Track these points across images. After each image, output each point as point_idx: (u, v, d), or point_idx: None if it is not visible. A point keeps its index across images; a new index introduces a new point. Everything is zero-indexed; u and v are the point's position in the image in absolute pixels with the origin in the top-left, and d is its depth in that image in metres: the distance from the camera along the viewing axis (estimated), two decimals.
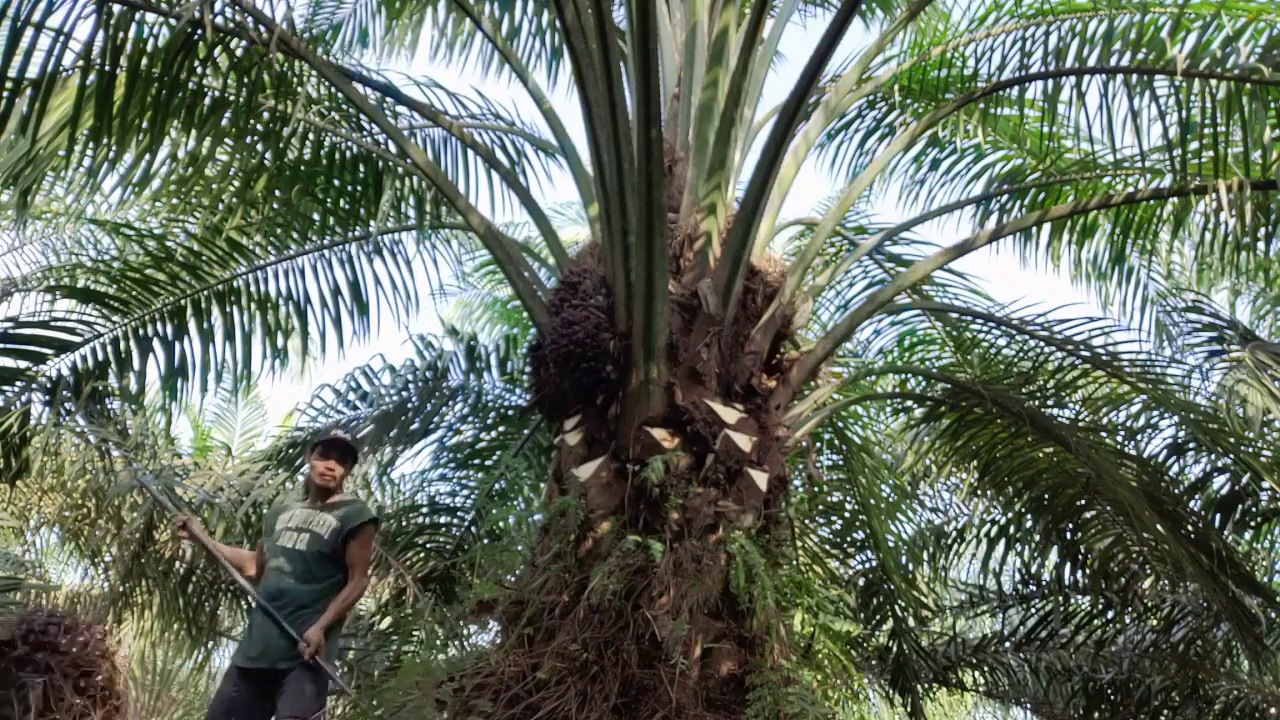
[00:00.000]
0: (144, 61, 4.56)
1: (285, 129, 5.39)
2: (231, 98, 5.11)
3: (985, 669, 8.74)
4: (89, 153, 5.04)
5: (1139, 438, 6.06)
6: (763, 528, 3.99)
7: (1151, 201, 5.91)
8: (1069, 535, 6.75)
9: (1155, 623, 7.85)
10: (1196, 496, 6.30)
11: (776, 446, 4.24)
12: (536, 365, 4.49)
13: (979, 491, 7.19)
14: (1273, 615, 7.35)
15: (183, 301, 6.02)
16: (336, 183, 6.11)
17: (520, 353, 7.54)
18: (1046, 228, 6.65)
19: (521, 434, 7.46)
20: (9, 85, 4.27)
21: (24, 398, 5.67)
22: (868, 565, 7.83)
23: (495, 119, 6.55)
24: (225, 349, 6.14)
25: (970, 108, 6.42)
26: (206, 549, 4.73)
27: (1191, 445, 6.05)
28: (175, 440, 7.77)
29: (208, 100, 5.09)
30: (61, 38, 4.28)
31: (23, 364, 5.71)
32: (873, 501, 7.39)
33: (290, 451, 7.39)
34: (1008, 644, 8.48)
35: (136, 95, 4.62)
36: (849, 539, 7.84)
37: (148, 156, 5.05)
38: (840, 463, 7.47)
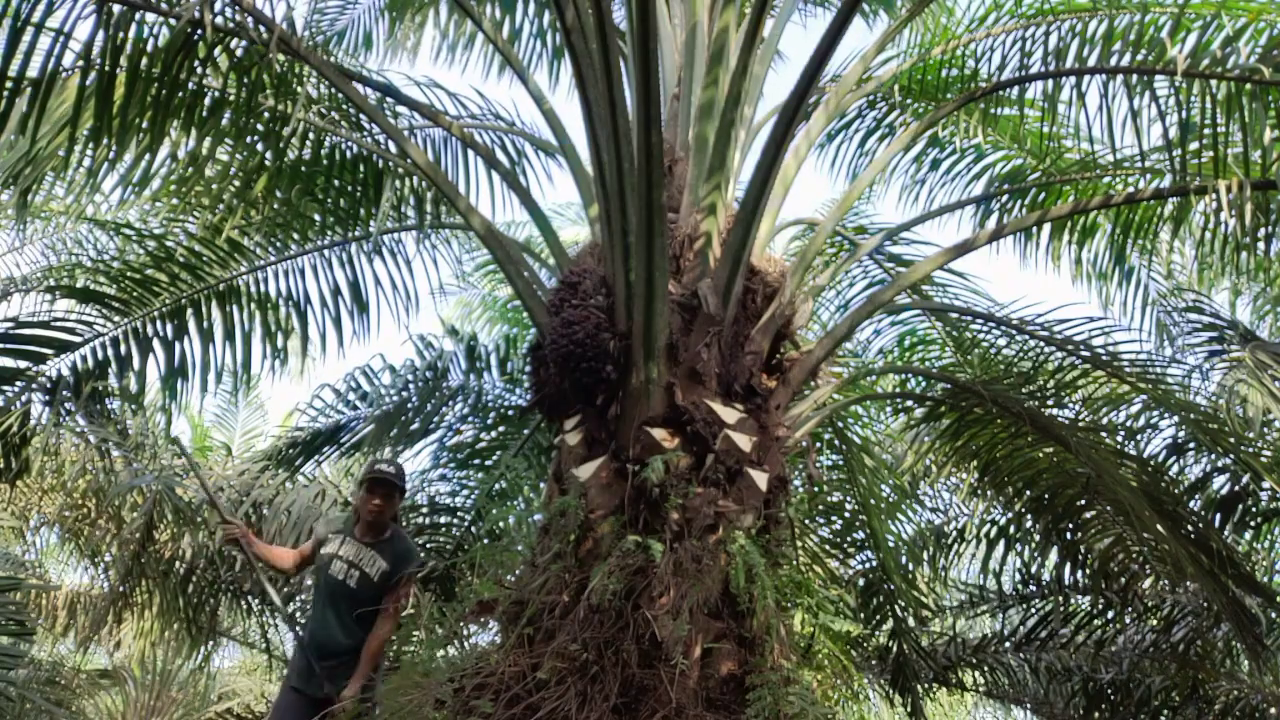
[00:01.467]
0: (144, 61, 4.56)
1: (285, 129, 5.38)
2: (231, 98, 5.11)
3: (985, 669, 8.74)
4: (89, 153, 5.04)
5: (1139, 438, 6.05)
6: (763, 528, 3.98)
7: (1151, 201, 5.91)
8: (1069, 535, 6.75)
9: (1155, 623, 7.85)
10: (1196, 496, 6.30)
11: (776, 446, 4.24)
12: (536, 365, 4.48)
13: (979, 491, 7.19)
14: (1273, 615, 7.35)
15: (183, 301, 6.02)
16: (336, 183, 6.11)
17: (520, 353, 7.53)
18: (1047, 228, 6.65)
19: (521, 434, 7.45)
20: (9, 85, 4.27)
21: (24, 398, 5.67)
22: (868, 565, 7.82)
23: (495, 119, 6.55)
24: (225, 349, 6.15)
25: (970, 108, 6.42)
26: (252, 560, 4.89)
27: (1191, 445, 6.05)
28: (175, 440, 7.77)
29: (208, 100, 5.09)
30: (61, 38, 4.29)
31: (23, 364, 5.71)
32: (873, 501, 7.39)
33: (290, 452, 7.39)
34: (1008, 644, 8.48)
35: (136, 95, 4.62)
36: (849, 539, 7.84)
37: (148, 156, 5.06)
38: (840, 463, 7.46)
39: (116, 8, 4.36)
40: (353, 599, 4.62)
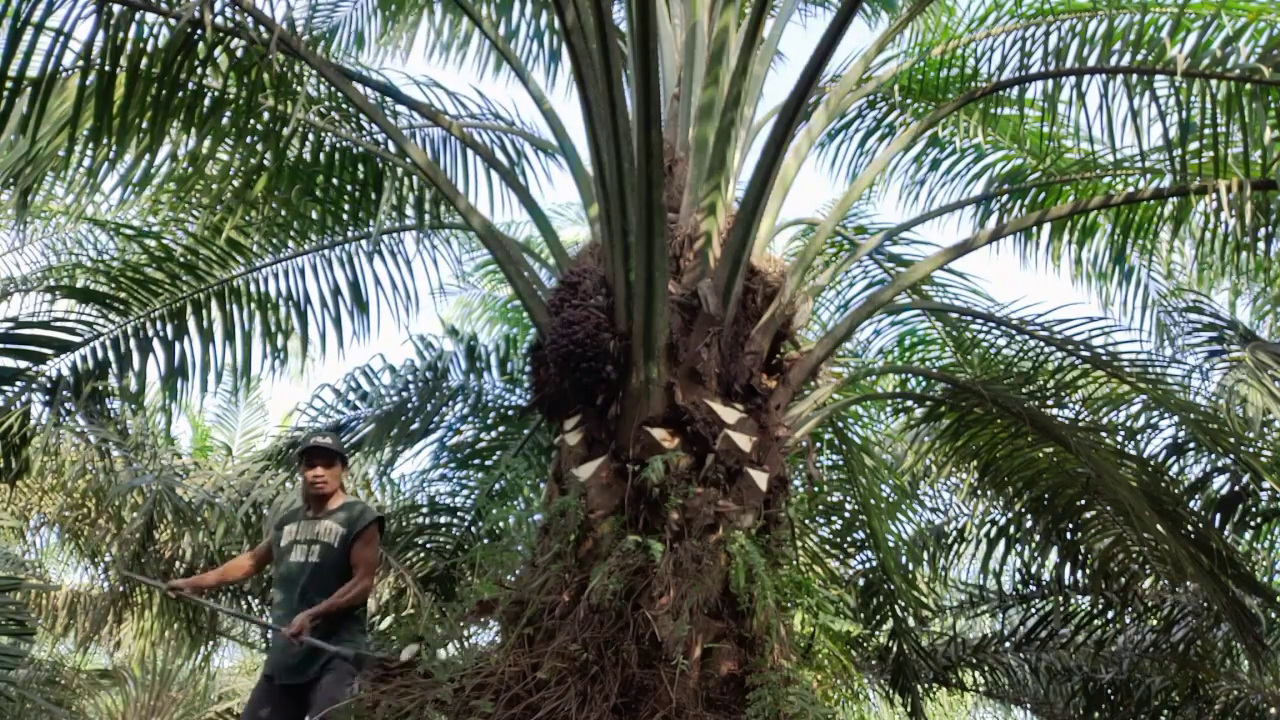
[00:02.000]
0: (144, 61, 4.56)
1: (285, 129, 5.38)
2: (231, 98, 5.11)
3: (985, 669, 8.74)
4: (89, 153, 5.04)
5: (1139, 438, 6.06)
6: (763, 528, 3.99)
7: (1151, 201, 5.92)
8: (1069, 535, 6.75)
9: (1155, 623, 7.85)
10: (1196, 496, 6.31)
11: (776, 446, 4.24)
12: (536, 365, 4.49)
13: (979, 491, 7.19)
14: (1273, 615, 7.36)
15: (183, 301, 6.02)
16: (336, 183, 6.11)
17: (520, 353, 7.54)
18: (1047, 228, 6.65)
19: (521, 434, 7.45)
20: (9, 85, 4.27)
21: (24, 398, 5.67)
22: (868, 565, 7.83)
23: (495, 119, 6.55)
24: (225, 349, 6.15)
25: (970, 108, 6.42)
26: (201, 603, 4.72)
27: (1191, 445, 6.05)
28: (175, 440, 7.77)
29: (208, 100, 5.09)
30: (61, 38, 4.29)
31: (23, 364, 5.71)
32: (873, 501, 7.39)
33: (290, 451, 7.39)
34: (1008, 644, 8.48)
35: (136, 95, 4.62)
36: (849, 539, 7.84)
37: (148, 156, 5.05)
38: (840, 463, 7.46)
39: (116, 8, 4.36)
40: (317, 572, 4.42)
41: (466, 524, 7.31)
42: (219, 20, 4.60)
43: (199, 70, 4.81)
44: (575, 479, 3.99)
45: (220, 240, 5.94)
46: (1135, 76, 5.27)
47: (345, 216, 6.26)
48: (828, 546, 7.92)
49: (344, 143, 5.97)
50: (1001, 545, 7.43)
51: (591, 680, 3.47)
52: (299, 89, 5.29)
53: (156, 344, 5.99)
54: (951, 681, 8.86)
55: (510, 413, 7.50)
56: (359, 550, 4.47)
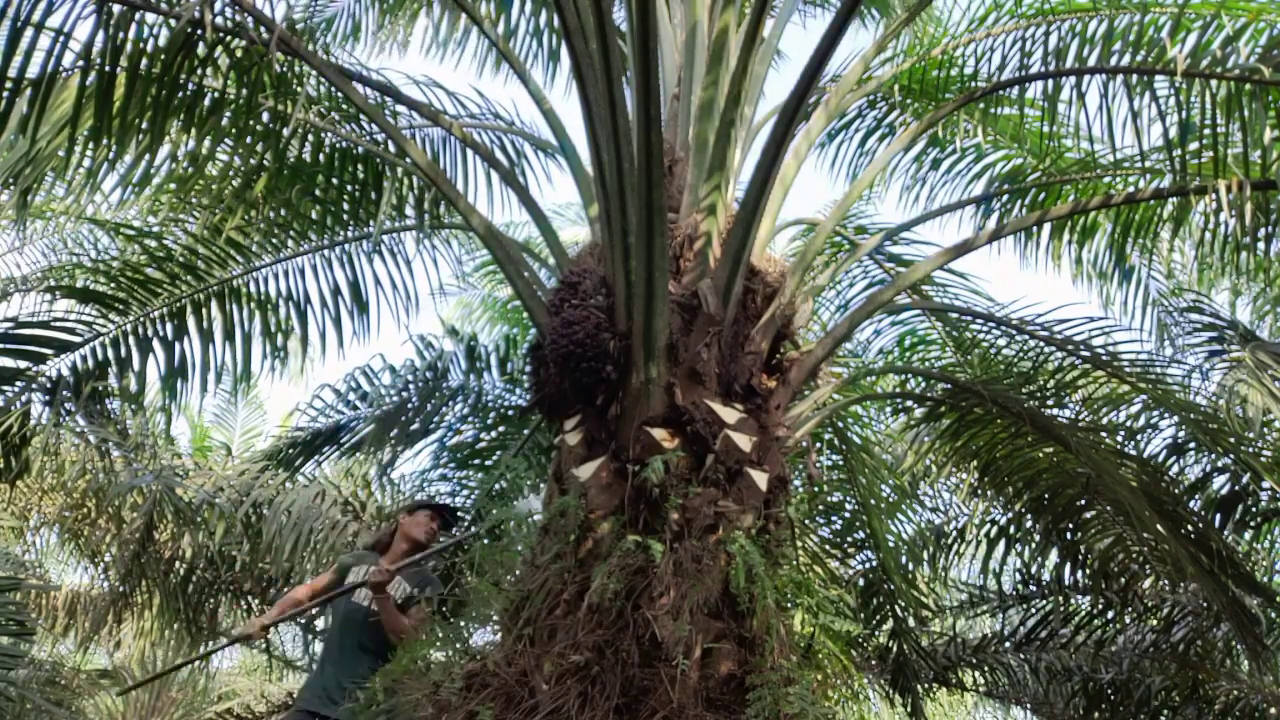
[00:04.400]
0: (144, 61, 4.57)
1: (285, 129, 5.38)
2: (231, 98, 5.11)
3: (985, 669, 8.74)
4: (89, 153, 5.04)
5: (1139, 438, 6.06)
6: (763, 528, 3.98)
7: (1151, 201, 5.92)
8: (1069, 535, 6.75)
9: (1155, 623, 7.85)
10: (1196, 496, 6.30)
11: (776, 446, 4.24)
12: (536, 365, 4.48)
13: (979, 491, 7.19)
14: (1273, 615, 7.36)
15: (183, 301, 6.02)
16: (336, 183, 6.11)
17: (520, 353, 7.53)
18: (1047, 228, 6.65)
19: (521, 434, 7.45)
20: (9, 85, 4.27)
21: (24, 398, 5.67)
22: (868, 565, 7.83)
23: (495, 119, 6.55)
24: (225, 349, 6.15)
25: (970, 107, 6.42)
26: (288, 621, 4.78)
27: (1191, 445, 6.05)
28: (175, 440, 7.77)
29: (208, 100, 5.09)
30: (61, 38, 4.29)
31: (23, 364, 5.71)
32: (873, 501, 7.39)
33: (290, 452, 7.39)
34: (1008, 644, 8.48)
35: (136, 95, 4.62)
36: (849, 539, 7.84)
37: (148, 156, 5.06)
38: (840, 463, 7.46)
39: (116, 8, 4.36)
40: (368, 621, 4.51)
41: (466, 524, 7.30)
42: (219, 20, 4.61)
43: (199, 70, 4.82)
44: (575, 479, 3.99)
45: (220, 240, 5.94)
46: (1135, 76, 5.27)
47: (345, 216, 6.26)
48: (828, 546, 7.92)
49: (344, 143, 5.97)
50: (1001, 545, 7.42)
51: (592, 681, 3.46)
52: (299, 89, 5.29)
53: (156, 344, 5.99)
54: (951, 681, 8.86)
55: (510, 413, 7.49)
56: (419, 611, 4.64)
